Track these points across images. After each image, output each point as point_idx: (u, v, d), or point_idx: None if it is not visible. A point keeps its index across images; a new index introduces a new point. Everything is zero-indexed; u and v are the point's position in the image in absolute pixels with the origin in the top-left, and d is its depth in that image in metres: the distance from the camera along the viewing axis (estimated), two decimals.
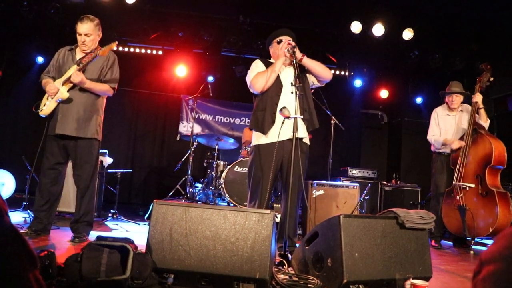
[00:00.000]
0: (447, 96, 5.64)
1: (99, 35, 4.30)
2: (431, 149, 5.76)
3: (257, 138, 4.02)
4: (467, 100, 5.65)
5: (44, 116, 4.15)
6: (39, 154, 4.33)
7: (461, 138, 5.37)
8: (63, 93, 4.02)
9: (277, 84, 3.99)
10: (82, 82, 3.99)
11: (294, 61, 3.74)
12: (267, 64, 4.11)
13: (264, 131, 3.93)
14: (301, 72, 3.91)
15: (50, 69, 4.30)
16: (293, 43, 3.93)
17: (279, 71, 3.98)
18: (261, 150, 3.95)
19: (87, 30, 4.13)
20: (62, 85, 4.04)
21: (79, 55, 4.21)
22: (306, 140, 4.07)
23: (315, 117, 4.09)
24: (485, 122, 5.34)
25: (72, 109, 4.06)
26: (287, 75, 3.99)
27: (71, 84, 4.04)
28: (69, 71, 4.07)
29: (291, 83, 3.69)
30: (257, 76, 3.98)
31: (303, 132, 3.94)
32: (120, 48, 8.26)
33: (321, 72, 4.09)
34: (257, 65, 4.13)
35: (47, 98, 4.14)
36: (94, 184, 4.28)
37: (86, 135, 4.08)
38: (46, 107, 4.10)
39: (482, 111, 5.31)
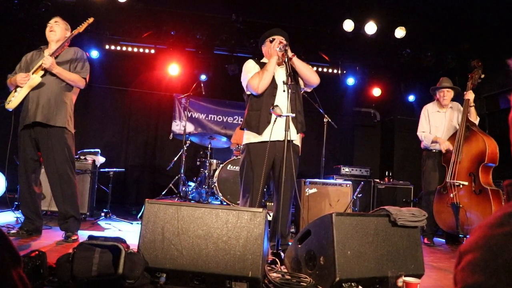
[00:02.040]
0: (438, 91, 5.66)
1: (67, 32, 4.35)
2: (421, 146, 5.78)
3: (249, 137, 4.01)
4: (458, 98, 5.67)
5: (11, 109, 4.13)
6: (10, 151, 4.32)
7: (453, 136, 5.40)
8: (35, 78, 4.03)
9: (272, 85, 3.98)
10: (52, 65, 4.01)
11: (286, 59, 3.75)
12: (260, 64, 4.10)
13: (259, 131, 3.92)
14: (293, 72, 3.91)
15: (16, 70, 4.33)
16: (285, 42, 3.93)
17: (274, 69, 3.97)
18: (253, 149, 3.95)
19: (56, 19, 4.31)
20: (32, 73, 4.07)
21: (47, 53, 4.22)
22: (297, 142, 4.08)
23: (304, 120, 4.10)
24: (474, 120, 5.36)
25: (42, 96, 4.06)
26: (280, 75, 4.00)
27: (42, 72, 4.06)
28: (39, 61, 4.09)
29: (283, 81, 3.71)
30: (255, 78, 3.94)
31: (294, 135, 3.94)
32: (112, 47, 8.23)
33: (308, 75, 4.07)
34: (251, 66, 4.11)
35: (15, 90, 4.13)
36: (73, 176, 4.18)
37: (56, 123, 4.07)
38: (14, 98, 4.08)
39: (473, 109, 5.34)
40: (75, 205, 4.16)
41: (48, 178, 4.15)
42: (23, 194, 4.15)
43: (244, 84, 4.10)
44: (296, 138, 4.02)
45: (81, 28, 4.19)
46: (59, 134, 4.10)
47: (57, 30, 4.26)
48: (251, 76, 3.98)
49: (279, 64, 4.05)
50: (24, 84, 4.04)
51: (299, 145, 4.16)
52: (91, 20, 4.24)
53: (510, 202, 0.89)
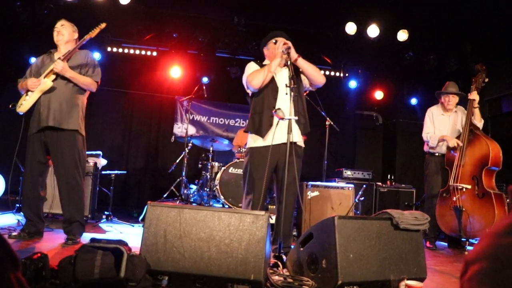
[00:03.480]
0: (444, 96, 5.63)
1: (75, 34, 4.35)
2: (424, 149, 5.76)
3: (253, 141, 4.01)
4: (462, 102, 5.66)
5: (22, 113, 4.14)
6: (18, 155, 4.33)
7: (457, 138, 5.37)
8: (46, 82, 4.03)
9: (273, 87, 3.98)
10: (64, 69, 4.01)
11: (289, 61, 3.75)
12: (262, 66, 4.10)
13: (262, 134, 3.92)
14: (296, 74, 3.91)
15: (27, 74, 4.32)
16: (289, 44, 3.93)
17: (275, 70, 3.97)
18: (257, 152, 3.95)
19: (62, 23, 4.29)
20: (44, 78, 4.06)
21: (57, 56, 4.22)
22: (301, 144, 4.07)
23: (307, 120, 4.09)
24: (479, 122, 5.33)
25: (54, 101, 4.06)
26: (283, 78, 4.00)
27: (54, 76, 4.06)
28: (50, 65, 4.09)
29: (286, 84, 3.70)
30: (253, 73, 3.96)
31: (297, 136, 3.95)
32: (114, 49, 8.23)
33: (314, 75, 4.07)
34: (253, 66, 4.13)
35: (27, 94, 4.13)
36: (81, 181, 4.19)
37: (68, 126, 4.07)
38: (26, 102, 4.08)
39: (477, 111, 5.31)
40: (80, 210, 4.17)
41: (57, 182, 4.16)
42: (27, 196, 4.13)
43: (244, 82, 4.12)
44: (300, 140, 4.02)
45: (93, 33, 4.18)
46: (71, 137, 4.10)
47: (65, 34, 4.25)
48: (250, 72, 4.01)
49: (282, 66, 4.06)
50: (35, 88, 4.04)
51: (303, 146, 4.15)
52: (103, 25, 4.22)
53: None
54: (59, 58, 4.08)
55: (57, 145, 4.07)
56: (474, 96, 5.30)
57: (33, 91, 4.06)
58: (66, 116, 4.06)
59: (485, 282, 0.79)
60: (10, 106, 4.18)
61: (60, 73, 4.02)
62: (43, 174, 4.22)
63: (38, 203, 4.19)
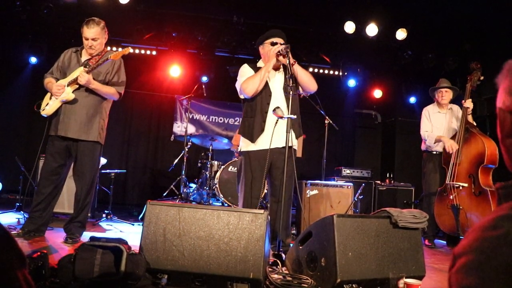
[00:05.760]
0: (437, 92, 5.66)
1: (106, 38, 4.30)
2: (421, 148, 5.77)
3: (244, 145, 4.04)
4: (458, 101, 5.67)
5: (45, 116, 4.15)
6: (40, 153, 4.37)
7: (453, 137, 5.38)
8: (69, 94, 4.03)
9: (267, 92, 3.99)
10: (89, 82, 3.99)
11: (288, 60, 3.74)
12: (255, 68, 4.10)
13: (252, 139, 3.94)
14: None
15: (54, 69, 4.30)
16: (287, 45, 3.92)
17: (268, 73, 3.96)
18: (251, 156, 3.97)
19: (94, 35, 4.11)
20: (68, 86, 4.04)
21: (84, 57, 4.21)
22: (295, 146, 4.03)
23: (301, 124, 4.12)
24: None
25: (75, 111, 4.05)
26: (276, 82, 4.02)
27: (77, 86, 4.05)
28: (75, 72, 4.08)
29: (284, 82, 3.71)
30: (247, 81, 3.95)
31: (292, 140, 3.87)
32: (114, 49, 8.24)
33: (308, 83, 4.05)
34: (246, 70, 4.12)
35: (50, 98, 4.14)
36: (93, 187, 4.28)
37: (88, 138, 4.08)
38: (49, 106, 4.09)
39: (470, 117, 5.36)
40: (85, 213, 4.24)
41: (75, 185, 4.21)
42: (40, 193, 4.12)
43: (237, 88, 4.12)
44: (295, 143, 4.02)
45: (117, 56, 4.09)
46: (89, 149, 4.13)
47: (97, 47, 4.17)
48: (244, 80, 3.99)
49: (276, 68, 4.05)
50: (58, 96, 4.04)
51: (296, 148, 4.16)
52: (127, 51, 4.16)
53: (502, 205, 0.90)
54: (86, 64, 4.05)
55: (76, 152, 4.11)
56: (468, 104, 5.32)
57: (56, 98, 4.07)
58: (85, 127, 4.07)
59: (471, 274, 0.82)
60: (35, 107, 4.20)
61: (84, 85, 4.01)
62: (60, 176, 4.21)
63: (47, 209, 4.17)
